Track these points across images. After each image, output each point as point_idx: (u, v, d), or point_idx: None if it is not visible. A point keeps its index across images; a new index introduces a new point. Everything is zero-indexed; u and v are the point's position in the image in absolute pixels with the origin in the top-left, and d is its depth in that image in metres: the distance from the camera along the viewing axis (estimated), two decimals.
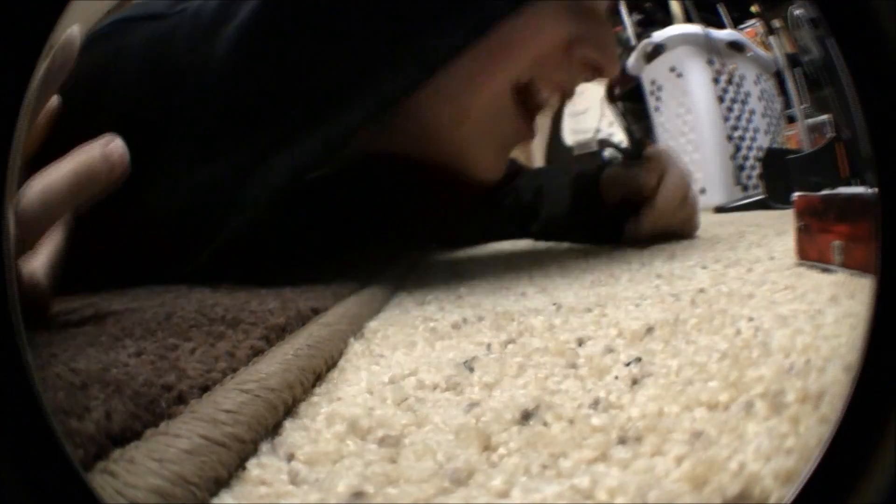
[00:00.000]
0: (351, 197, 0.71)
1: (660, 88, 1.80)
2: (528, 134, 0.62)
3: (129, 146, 0.33)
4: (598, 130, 2.20)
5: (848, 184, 1.13)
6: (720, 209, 1.42)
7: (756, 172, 1.61)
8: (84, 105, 0.40)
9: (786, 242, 0.58)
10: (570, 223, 0.81)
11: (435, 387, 0.25)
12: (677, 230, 0.72)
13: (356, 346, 0.33)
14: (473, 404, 0.22)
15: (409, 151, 0.60)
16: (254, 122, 0.50)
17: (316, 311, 0.38)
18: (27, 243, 0.30)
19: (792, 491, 0.15)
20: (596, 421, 0.20)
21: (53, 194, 0.30)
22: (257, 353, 0.27)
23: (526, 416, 0.21)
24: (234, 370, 0.24)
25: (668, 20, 1.92)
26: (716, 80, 1.65)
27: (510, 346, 0.30)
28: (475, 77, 0.54)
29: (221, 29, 0.51)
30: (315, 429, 0.22)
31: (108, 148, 0.32)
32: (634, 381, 0.23)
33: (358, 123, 0.49)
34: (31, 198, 0.29)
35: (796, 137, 1.68)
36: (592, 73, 0.60)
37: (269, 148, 0.50)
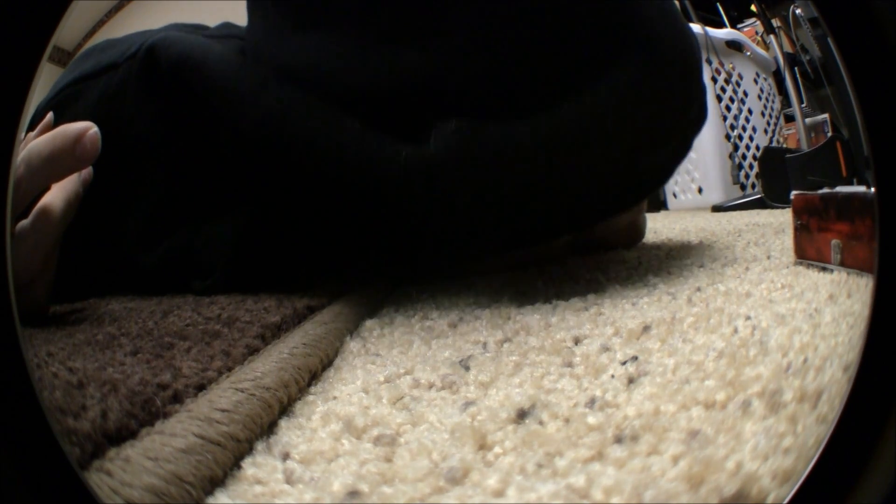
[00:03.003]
0: None
1: None
2: None
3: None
4: None
5: (849, 183, 1.13)
6: (717, 208, 1.42)
7: (754, 171, 1.61)
8: None
9: (783, 241, 0.58)
10: None
11: (430, 386, 0.25)
12: (623, 236, 0.71)
13: (352, 345, 0.33)
14: (469, 403, 0.22)
15: None
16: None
17: (312, 309, 0.38)
18: (19, 204, 0.34)
19: (790, 491, 0.15)
20: (592, 420, 0.20)
21: (34, 158, 0.34)
22: (253, 351, 0.27)
23: (522, 415, 0.21)
24: (230, 369, 0.24)
25: None
26: (714, 79, 1.65)
27: (506, 345, 0.30)
28: None
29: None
30: (310, 428, 0.22)
31: (86, 132, 0.35)
32: (631, 380, 0.23)
33: None
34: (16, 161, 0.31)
35: (795, 136, 1.69)
36: None
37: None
